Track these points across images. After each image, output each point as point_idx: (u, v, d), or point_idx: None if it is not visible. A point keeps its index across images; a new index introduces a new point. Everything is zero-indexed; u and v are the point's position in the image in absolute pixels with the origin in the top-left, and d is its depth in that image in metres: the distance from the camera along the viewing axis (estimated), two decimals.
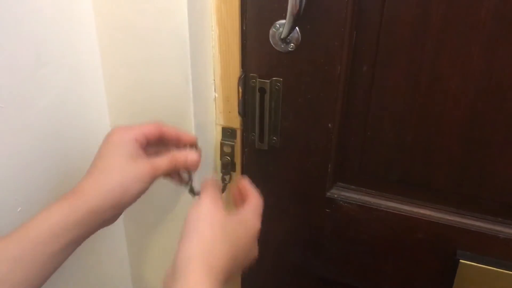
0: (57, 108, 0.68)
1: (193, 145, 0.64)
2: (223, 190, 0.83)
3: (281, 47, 0.70)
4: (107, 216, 0.55)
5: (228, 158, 0.81)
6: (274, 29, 0.69)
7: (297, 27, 0.67)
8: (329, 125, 0.73)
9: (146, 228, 0.87)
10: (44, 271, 0.52)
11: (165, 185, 0.80)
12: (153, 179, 0.58)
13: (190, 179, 0.67)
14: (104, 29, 0.70)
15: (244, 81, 0.75)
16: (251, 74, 0.74)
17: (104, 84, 0.74)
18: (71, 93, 0.70)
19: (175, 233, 0.84)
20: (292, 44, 0.69)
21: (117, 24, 0.68)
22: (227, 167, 0.82)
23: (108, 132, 0.60)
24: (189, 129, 0.73)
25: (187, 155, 0.61)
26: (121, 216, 0.83)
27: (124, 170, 0.55)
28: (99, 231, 0.58)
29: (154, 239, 0.88)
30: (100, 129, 0.77)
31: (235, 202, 0.65)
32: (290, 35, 0.67)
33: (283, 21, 0.67)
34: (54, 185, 0.71)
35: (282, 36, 0.67)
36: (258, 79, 0.73)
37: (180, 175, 0.66)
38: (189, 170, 0.65)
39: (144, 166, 0.57)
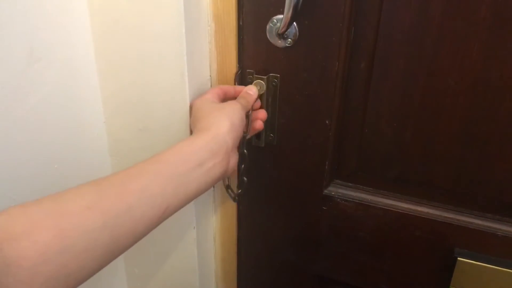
0: (50, 104, 0.66)
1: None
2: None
3: (278, 42, 0.69)
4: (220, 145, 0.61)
5: None
6: (271, 25, 0.68)
7: (294, 23, 0.67)
8: (327, 121, 0.73)
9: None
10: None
11: None
12: (244, 111, 0.68)
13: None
14: (98, 23, 0.68)
15: (241, 77, 0.74)
16: (248, 70, 0.73)
17: (98, 79, 0.73)
18: (65, 89, 0.68)
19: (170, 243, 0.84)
20: (289, 40, 0.68)
21: (111, 19, 0.67)
22: None
23: (192, 102, 0.70)
24: (186, 126, 0.72)
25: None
26: None
27: (225, 109, 0.65)
28: None
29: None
30: (95, 125, 0.76)
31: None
32: (288, 30, 0.66)
33: (280, 16, 0.66)
34: (49, 181, 0.69)
35: (279, 32, 0.67)
36: (255, 75, 0.72)
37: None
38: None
39: (231, 105, 0.66)
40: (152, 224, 0.53)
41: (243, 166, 0.76)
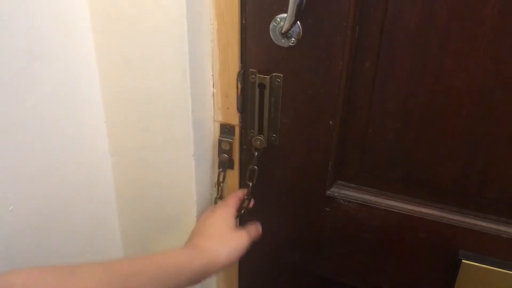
0: (50, 103, 0.66)
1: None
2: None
3: (281, 41, 0.68)
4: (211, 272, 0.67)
5: (226, 155, 0.80)
6: (274, 23, 0.67)
7: (298, 22, 0.65)
8: (330, 122, 0.72)
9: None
10: None
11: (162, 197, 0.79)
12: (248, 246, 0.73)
13: None
14: (99, 22, 0.67)
15: (243, 77, 0.73)
16: (251, 70, 0.72)
17: (99, 78, 0.72)
18: (65, 88, 0.67)
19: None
20: (293, 39, 0.67)
21: (112, 17, 0.66)
22: (224, 165, 0.80)
23: (215, 206, 0.78)
24: (187, 126, 0.71)
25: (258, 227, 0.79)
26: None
27: (230, 240, 0.71)
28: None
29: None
30: (95, 125, 0.75)
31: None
32: (291, 29, 0.65)
33: (284, 15, 0.65)
34: (47, 182, 0.69)
35: (283, 31, 0.66)
36: (257, 75, 0.71)
37: None
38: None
39: (242, 238, 0.72)
40: None
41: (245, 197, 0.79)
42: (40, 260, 0.70)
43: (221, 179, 0.81)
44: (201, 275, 0.65)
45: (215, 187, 0.84)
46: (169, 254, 0.64)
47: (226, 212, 0.74)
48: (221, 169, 0.80)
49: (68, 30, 0.66)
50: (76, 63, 0.68)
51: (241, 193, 0.79)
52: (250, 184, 0.77)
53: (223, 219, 0.73)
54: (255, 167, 0.77)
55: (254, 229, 0.76)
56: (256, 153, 0.76)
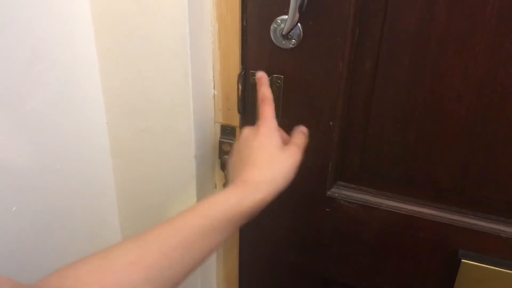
0: (52, 105, 0.66)
1: None
2: None
3: (282, 43, 0.68)
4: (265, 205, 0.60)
5: (227, 157, 0.80)
6: (275, 25, 0.68)
7: (299, 23, 0.66)
8: (330, 123, 0.72)
9: None
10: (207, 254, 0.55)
11: (162, 188, 0.79)
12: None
13: None
14: (101, 24, 0.68)
15: (244, 78, 0.73)
16: (251, 71, 0.72)
17: (101, 80, 0.72)
18: (67, 90, 0.68)
19: None
20: (293, 41, 0.68)
21: (114, 19, 0.67)
22: (226, 166, 0.81)
23: (250, 128, 0.67)
24: (188, 127, 0.71)
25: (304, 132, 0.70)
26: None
27: (282, 161, 0.62)
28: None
29: None
30: (97, 126, 0.76)
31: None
32: (292, 31, 0.66)
33: (284, 16, 0.66)
34: (49, 183, 0.69)
35: (283, 32, 0.66)
36: None
37: None
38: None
39: (293, 154, 0.64)
40: (191, 273, 0.54)
41: None
42: (43, 261, 0.71)
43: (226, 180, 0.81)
44: (257, 211, 0.59)
45: (215, 188, 0.85)
46: (216, 200, 0.57)
47: (269, 129, 0.65)
48: (222, 171, 0.81)
49: (70, 33, 0.66)
50: (78, 64, 0.69)
51: (269, 96, 0.68)
52: None
53: (268, 139, 0.64)
54: None
55: (301, 137, 0.68)
56: None
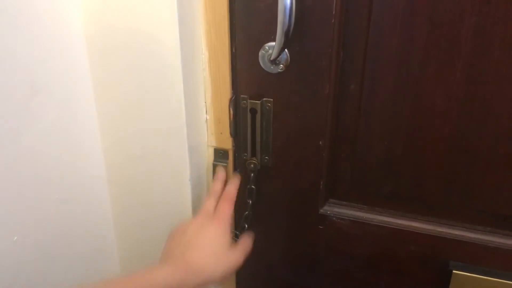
0: (50, 136, 0.68)
1: None
2: None
3: (270, 68, 0.71)
4: None
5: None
6: (263, 51, 0.70)
7: (286, 49, 0.69)
8: (320, 142, 0.75)
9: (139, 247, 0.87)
10: None
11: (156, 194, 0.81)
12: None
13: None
14: (96, 56, 0.71)
15: (235, 103, 0.76)
16: (242, 96, 0.75)
17: (97, 109, 0.75)
18: (64, 121, 0.70)
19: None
20: (281, 65, 0.70)
21: (109, 51, 0.69)
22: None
23: (209, 216, 0.72)
24: (183, 152, 0.73)
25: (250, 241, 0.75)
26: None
27: (226, 259, 0.67)
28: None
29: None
30: (93, 156, 0.78)
31: None
32: (280, 56, 0.69)
33: (272, 43, 0.68)
34: (49, 213, 0.70)
35: (271, 58, 0.69)
36: (249, 100, 0.74)
37: None
38: None
39: (237, 258, 0.69)
40: None
41: (246, 213, 0.80)
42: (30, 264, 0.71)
43: None
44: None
45: None
46: (156, 273, 0.59)
47: (224, 224, 0.70)
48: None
49: (66, 65, 0.68)
50: (74, 95, 0.71)
51: (233, 197, 0.75)
52: (250, 201, 0.80)
53: (220, 233, 0.68)
54: (253, 186, 0.79)
55: (247, 244, 0.73)
56: (252, 174, 0.78)
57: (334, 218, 0.80)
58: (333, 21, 0.65)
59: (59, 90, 0.68)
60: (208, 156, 0.82)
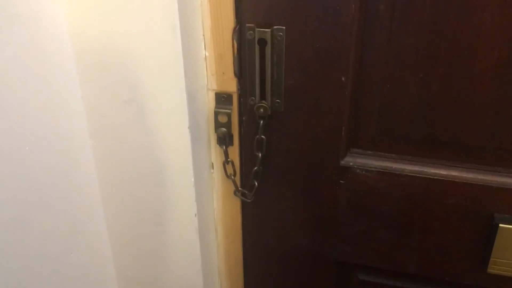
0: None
1: None
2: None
3: None
4: None
5: (225, 129, 0.70)
6: None
7: None
8: (342, 78, 0.64)
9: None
10: None
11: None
12: None
13: None
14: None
15: (240, 34, 0.65)
16: (248, 25, 0.63)
17: (71, 42, 0.62)
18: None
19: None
20: None
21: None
22: (224, 140, 0.71)
23: None
24: (180, 94, 0.62)
25: None
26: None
27: None
28: None
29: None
30: (70, 103, 0.65)
31: None
32: None
33: None
34: (23, 173, 0.59)
35: None
36: (256, 29, 0.63)
37: None
38: None
39: None
40: None
41: (255, 168, 0.70)
42: (22, 262, 0.60)
43: (228, 158, 0.72)
44: None
45: (212, 169, 0.75)
46: None
47: None
48: (223, 146, 0.70)
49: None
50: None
51: None
52: (260, 154, 0.69)
53: None
54: (263, 136, 0.68)
55: None
56: (261, 122, 0.67)
57: (358, 170, 0.70)
58: None
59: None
60: (209, 101, 0.69)
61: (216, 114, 0.70)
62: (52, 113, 0.62)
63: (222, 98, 0.69)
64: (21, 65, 0.56)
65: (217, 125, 0.71)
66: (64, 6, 0.60)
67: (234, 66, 0.66)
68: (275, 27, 0.62)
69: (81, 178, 0.70)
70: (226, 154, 0.71)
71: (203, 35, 0.65)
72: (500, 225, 0.66)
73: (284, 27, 0.62)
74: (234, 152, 0.73)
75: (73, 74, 0.64)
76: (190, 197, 0.69)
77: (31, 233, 0.63)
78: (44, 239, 0.65)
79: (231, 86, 0.68)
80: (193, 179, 0.68)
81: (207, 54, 0.66)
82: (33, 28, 0.57)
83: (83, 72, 0.64)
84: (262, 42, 0.63)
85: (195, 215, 0.70)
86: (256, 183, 0.72)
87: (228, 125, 0.70)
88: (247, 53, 0.65)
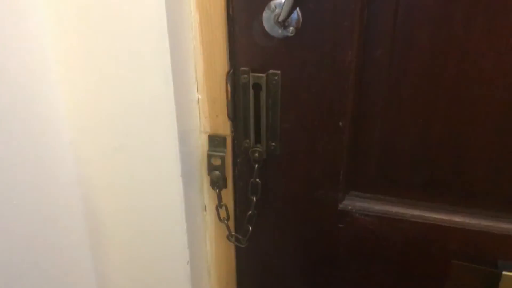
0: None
1: None
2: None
3: (278, 32, 0.58)
4: None
5: (218, 172, 0.68)
6: (268, 12, 0.57)
7: (297, 7, 0.56)
8: (340, 123, 0.62)
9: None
10: None
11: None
12: None
13: None
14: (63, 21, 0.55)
15: (234, 77, 0.63)
16: (242, 68, 0.62)
17: (63, 87, 0.60)
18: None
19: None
20: (291, 28, 0.57)
21: (74, 12, 0.54)
22: (217, 183, 0.68)
23: None
24: (172, 140, 0.59)
25: None
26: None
27: None
28: None
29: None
30: (57, 149, 0.62)
31: None
32: (289, 17, 0.56)
33: (280, 0, 0.55)
34: (18, 215, 0.56)
35: (280, 19, 0.56)
36: (251, 74, 0.62)
37: None
38: None
39: None
40: None
41: (249, 213, 0.68)
42: None
43: (221, 201, 0.69)
44: None
45: (205, 212, 0.73)
46: None
47: None
48: (217, 190, 0.68)
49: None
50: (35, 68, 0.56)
51: None
52: (254, 198, 0.67)
53: None
54: (257, 180, 0.66)
55: None
56: (256, 165, 0.65)
57: (357, 214, 0.68)
58: None
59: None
60: (202, 144, 0.67)
61: (210, 157, 0.68)
62: (39, 159, 0.60)
63: (215, 141, 0.67)
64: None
65: (210, 168, 0.68)
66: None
67: (228, 109, 0.64)
68: (270, 71, 0.61)
69: (69, 226, 0.67)
70: (219, 197, 0.69)
71: (196, 79, 0.63)
72: (504, 273, 0.64)
73: (279, 72, 0.61)
74: (228, 195, 0.71)
75: (63, 120, 0.62)
76: (183, 245, 0.67)
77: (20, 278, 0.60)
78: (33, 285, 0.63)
79: (225, 128, 0.66)
80: (185, 227, 0.65)
81: (200, 97, 0.64)
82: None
83: (76, 123, 0.62)
84: (256, 86, 0.62)
85: (188, 262, 0.68)
86: (251, 228, 0.70)
87: (222, 168, 0.68)
88: (241, 97, 0.63)
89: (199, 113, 0.65)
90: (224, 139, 0.67)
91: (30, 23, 0.54)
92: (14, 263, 0.58)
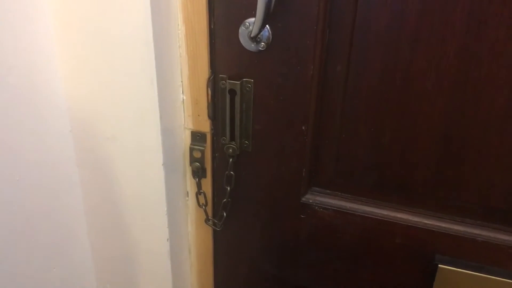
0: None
1: None
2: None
3: (251, 46, 0.66)
4: None
5: (198, 163, 0.77)
6: (244, 28, 0.66)
7: (267, 25, 0.64)
8: (303, 127, 0.70)
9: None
10: None
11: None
12: None
13: None
14: (63, 25, 0.65)
15: (213, 83, 0.71)
16: (221, 75, 0.70)
17: (64, 88, 0.70)
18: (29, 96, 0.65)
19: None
20: (262, 43, 0.66)
21: (77, 18, 0.64)
22: (197, 173, 0.78)
23: None
24: (155, 134, 0.69)
25: None
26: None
27: None
28: None
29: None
30: (60, 137, 0.73)
31: None
32: (261, 33, 0.64)
33: (253, 19, 0.64)
34: (11, 194, 0.66)
35: (252, 35, 0.64)
36: (228, 80, 0.70)
37: None
38: None
39: None
40: None
41: (224, 200, 0.76)
42: (3, 278, 0.67)
43: (200, 189, 0.79)
44: None
45: (187, 197, 0.82)
46: None
47: None
48: (196, 179, 0.78)
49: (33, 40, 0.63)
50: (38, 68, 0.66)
51: None
52: (228, 188, 0.76)
53: None
54: (232, 172, 0.75)
55: None
56: (230, 160, 0.74)
57: (317, 208, 0.76)
58: None
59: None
60: (185, 138, 0.77)
61: (191, 150, 0.77)
62: (42, 144, 0.70)
63: (197, 137, 0.76)
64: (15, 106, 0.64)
65: (192, 159, 0.78)
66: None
67: (208, 109, 0.73)
68: (244, 79, 0.69)
69: (68, 200, 0.77)
70: (199, 185, 0.79)
71: (181, 82, 0.72)
72: (440, 265, 0.72)
73: (252, 80, 0.69)
74: (207, 184, 0.80)
75: (66, 117, 0.72)
76: (163, 224, 0.76)
77: (16, 248, 0.70)
78: (28, 256, 0.72)
79: (205, 126, 0.75)
80: (165, 208, 0.75)
81: (184, 97, 0.73)
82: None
83: (75, 114, 0.72)
84: (232, 92, 0.70)
85: (167, 240, 0.77)
86: (225, 214, 0.79)
87: (202, 160, 0.78)
88: (219, 100, 0.72)
89: (184, 112, 0.75)
90: (204, 135, 0.76)
91: (38, 34, 0.64)
92: (11, 233, 0.67)
